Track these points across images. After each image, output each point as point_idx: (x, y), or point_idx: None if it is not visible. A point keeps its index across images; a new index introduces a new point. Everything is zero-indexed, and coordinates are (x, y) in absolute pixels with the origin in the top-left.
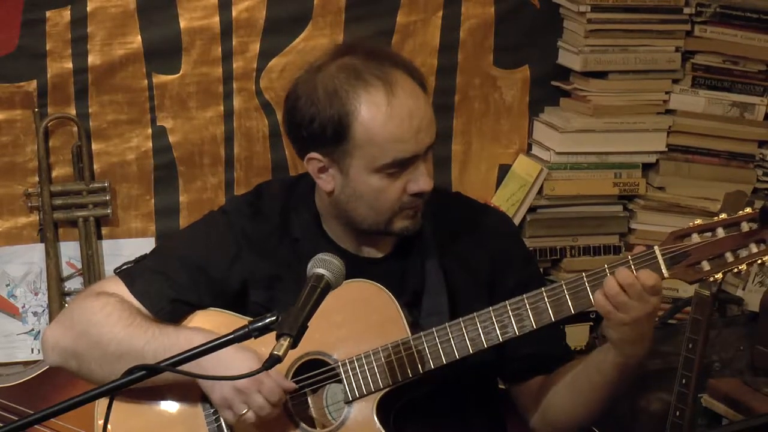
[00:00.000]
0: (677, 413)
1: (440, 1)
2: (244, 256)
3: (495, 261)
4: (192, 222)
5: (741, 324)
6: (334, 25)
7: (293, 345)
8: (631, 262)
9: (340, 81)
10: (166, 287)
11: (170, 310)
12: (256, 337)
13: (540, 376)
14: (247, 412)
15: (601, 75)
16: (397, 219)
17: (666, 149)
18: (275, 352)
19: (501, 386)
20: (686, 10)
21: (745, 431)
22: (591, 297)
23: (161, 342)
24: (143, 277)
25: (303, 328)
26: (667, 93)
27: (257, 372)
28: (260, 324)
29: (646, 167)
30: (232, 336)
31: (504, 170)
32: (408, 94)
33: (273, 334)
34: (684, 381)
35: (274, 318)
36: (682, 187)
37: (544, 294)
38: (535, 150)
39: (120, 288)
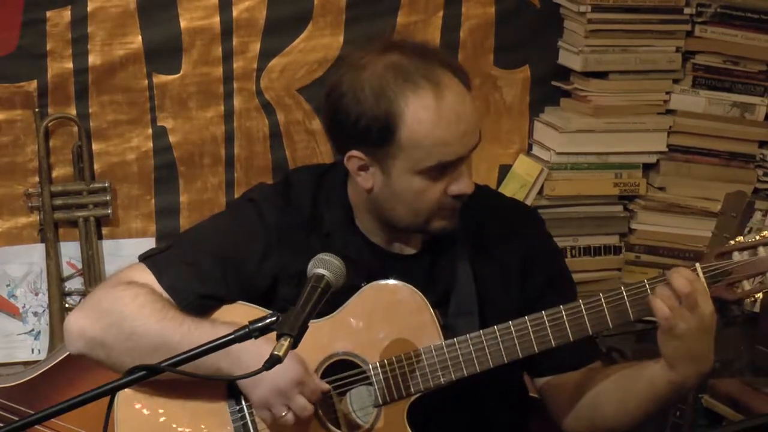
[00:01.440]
0: (677, 413)
1: (440, 1)
2: (275, 250)
3: (525, 257)
4: (218, 212)
5: (741, 324)
6: (334, 25)
7: (293, 345)
8: None
9: (387, 81)
10: (196, 281)
11: (199, 305)
12: (256, 338)
13: (574, 374)
14: (287, 414)
15: (602, 75)
16: (435, 219)
17: (666, 149)
18: (275, 353)
19: (533, 395)
20: (687, 11)
21: (745, 431)
22: (630, 311)
23: (198, 337)
24: (172, 268)
25: (303, 329)
26: (667, 93)
27: (256, 372)
28: (260, 324)
29: (647, 167)
30: (232, 335)
31: (504, 170)
32: (456, 97)
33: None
34: None
35: (275, 318)
36: (682, 188)
37: (583, 307)
38: (536, 150)
39: (148, 278)
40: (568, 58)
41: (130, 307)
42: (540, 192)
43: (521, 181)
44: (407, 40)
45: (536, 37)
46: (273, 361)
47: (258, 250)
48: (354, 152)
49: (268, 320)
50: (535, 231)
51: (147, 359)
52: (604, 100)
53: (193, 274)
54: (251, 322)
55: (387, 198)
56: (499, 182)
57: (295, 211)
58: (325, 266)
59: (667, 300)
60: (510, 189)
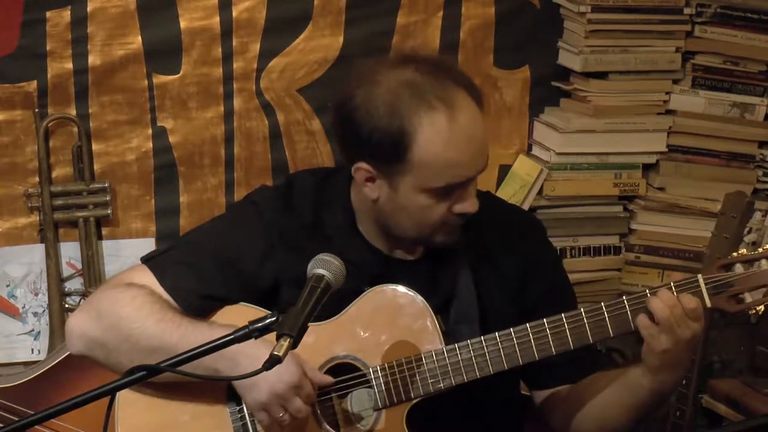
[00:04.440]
0: (678, 413)
1: (440, 1)
2: (276, 252)
3: (525, 266)
4: (220, 214)
5: (741, 324)
6: (334, 25)
7: (293, 346)
8: (673, 287)
9: (401, 99)
10: (197, 282)
11: (200, 306)
12: (256, 338)
13: (570, 387)
14: (284, 416)
15: (602, 75)
16: (438, 234)
17: (666, 150)
18: (275, 353)
19: (524, 392)
20: (686, 11)
21: (745, 431)
22: (631, 321)
23: (195, 338)
24: (173, 270)
25: (303, 329)
26: (667, 93)
27: (257, 372)
28: (261, 324)
29: (647, 168)
30: (232, 336)
31: (504, 170)
32: (468, 119)
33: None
34: (684, 381)
35: (275, 318)
36: (682, 188)
37: (584, 315)
38: (536, 150)
39: (149, 279)
40: (568, 59)
41: (129, 309)
42: (540, 192)
43: (521, 182)
44: (422, 54)
45: (536, 37)
46: (273, 361)
47: (258, 251)
48: (363, 164)
49: (267, 320)
50: (536, 240)
51: (145, 360)
52: (604, 100)
53: (194, 274)
54: (251, 323)
55: (392, 210)
56: (499, 182)
57: (297, 214)
58: (324, 266)
59: (649, 326)
60: (510, 189)
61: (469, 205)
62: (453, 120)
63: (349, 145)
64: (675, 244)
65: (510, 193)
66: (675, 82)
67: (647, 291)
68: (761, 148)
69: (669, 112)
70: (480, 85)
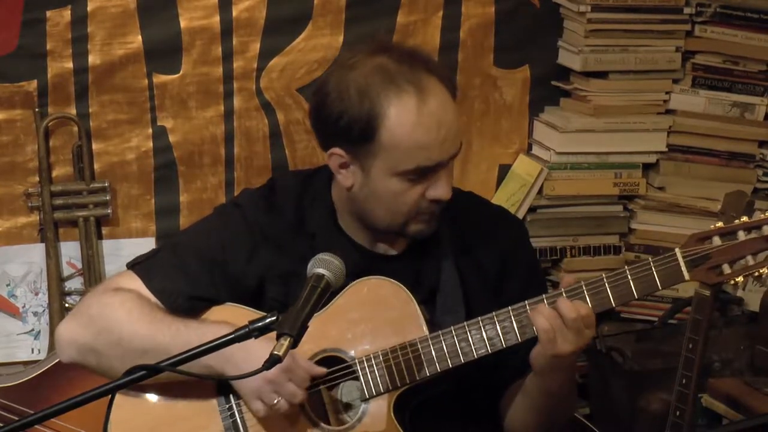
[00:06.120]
0: (677, 413)
1: (440, 1)
2: (260, 251)
3: (503, 266)
4: (204, 216)
5: (741, 324)
6: (334, 25)
7: (293, 345)
8: (652, 264)
9: (372, 82)
10: (184, 284)
11: (188, 307)
12: (256, 337)
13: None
14: (279, 401)
15: (602, 75)
16: (412, 222)
17: (666, 149)
18: (275, 352)
19: None
20: (686, 10)
21: (745, 431)
22: (612, 299)
23: (187, 337)
24: (160, 272)
25: (303, 328)
26: (667, 93)
27: (257, 372)
28: (261, 324)
29: (647, 167)
30: (232, 335)
31: (504, 170)
32: (438, 103)
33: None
34: (684, 381)
35: (275, 318)
36: (682, 187)
37: (564, 294)
38: (536, 150)
39: (136, 283)
40: (568, 58)
41: (118, 313)
42: (540, 192)
43: (521, 181)
44: (397, 44)
45: (536, 37)
46: (273, 360)
47: (244, 251)
48: (336, 150)
49: (268, 320)
50: (516, 240)
51: (137, 362)
52: (604, 100)
53: (181, 276)
54: (251, 322)
55: (366, 197)
56: (499, 182)
57: (280, 214)
58: (324, 266)
59: (551, 319)
60: (510, 189)
61: (441, 191)
62: (422, 103)
63: (323, 130)
64: (675, 243)
65: (510, 192)
66: (675, 81)
67: (627, 269)
68: (761, 148)
69: (669, 111)
70: (480, 84)
